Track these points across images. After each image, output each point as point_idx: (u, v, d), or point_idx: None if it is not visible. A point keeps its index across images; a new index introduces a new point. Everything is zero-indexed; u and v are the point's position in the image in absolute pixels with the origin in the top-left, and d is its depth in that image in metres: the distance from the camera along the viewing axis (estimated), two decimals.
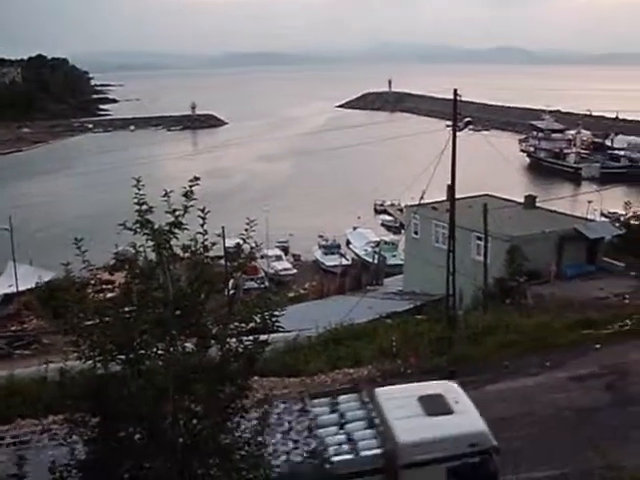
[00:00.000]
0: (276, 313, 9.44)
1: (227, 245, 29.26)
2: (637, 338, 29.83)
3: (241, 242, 9.69)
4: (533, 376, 26.19)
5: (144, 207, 9.19)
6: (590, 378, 25.28)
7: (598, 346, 28.94)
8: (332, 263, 71.73)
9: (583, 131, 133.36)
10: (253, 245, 9.64)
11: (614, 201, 72.29)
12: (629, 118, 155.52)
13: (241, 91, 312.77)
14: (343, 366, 28.66)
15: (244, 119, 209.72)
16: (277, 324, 9.48)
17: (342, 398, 16.09)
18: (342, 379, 27.22)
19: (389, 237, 79.78)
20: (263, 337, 9.48)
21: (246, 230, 9.60)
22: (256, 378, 22.44)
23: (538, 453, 18.92)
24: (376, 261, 65.80)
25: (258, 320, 9.38)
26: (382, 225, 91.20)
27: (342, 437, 14.07)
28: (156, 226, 9.08)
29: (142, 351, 9.05)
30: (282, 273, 69.79)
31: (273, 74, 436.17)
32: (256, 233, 9.90)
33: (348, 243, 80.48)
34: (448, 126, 34.99)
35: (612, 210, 70.69)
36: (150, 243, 9.14)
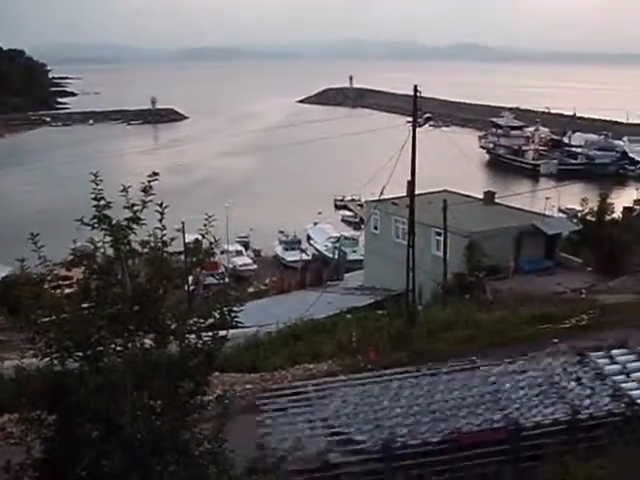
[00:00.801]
0: (235, 309, 9.39)
1: (187, 240, 29.06)
2: (594, 332, 30.24)
3: (200, 237, 9.63)
4: None
5: (102, 202, 9.07)
6: None
7: (556, 340, 29.26)
8: (292, 258, 71.78)
9: (541, 128, 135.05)
10: (212, 240, 9.56)
11: (571, 197, 73.25)
12: (586, 116, 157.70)
13: (201, 86, 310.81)
14: (303, 361, 28.63)
15: (205, 114, 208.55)
16: (236, 320, 9.44)
17: (616, 352, 17.78)
18: (302, 374, 27.19)
19: (349, 232, 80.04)
20: (222, 333, 9.43)
21: (205, 225, 9.54)
22: (216, 374, 22.35)
23: None
24: (336, 256, 65.98)
25: (217, 316, 9.33)
26: (342, 221, 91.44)
27: (633, 384, 15.67)
28: (114, 221, 8.97)
29: (100, 348, 8.95)
30: (242, 269, 69.63)
31: (233, 69, 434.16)
32: (216, 229, 9.84)
33: (309, 238, 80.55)
34: (409, 122, 35.15)
35: (569, 206, 71.68)
36: (108, 239, 9.03)
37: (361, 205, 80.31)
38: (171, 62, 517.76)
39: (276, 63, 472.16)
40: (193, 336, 9.25)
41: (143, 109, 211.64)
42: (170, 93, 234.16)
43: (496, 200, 56.22)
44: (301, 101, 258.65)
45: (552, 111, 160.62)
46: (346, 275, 63.16)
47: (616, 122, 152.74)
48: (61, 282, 10.07)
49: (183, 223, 44.12)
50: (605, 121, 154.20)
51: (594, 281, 44.48)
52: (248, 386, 25.72)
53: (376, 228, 55.59)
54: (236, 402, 22.83)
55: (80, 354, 8.97)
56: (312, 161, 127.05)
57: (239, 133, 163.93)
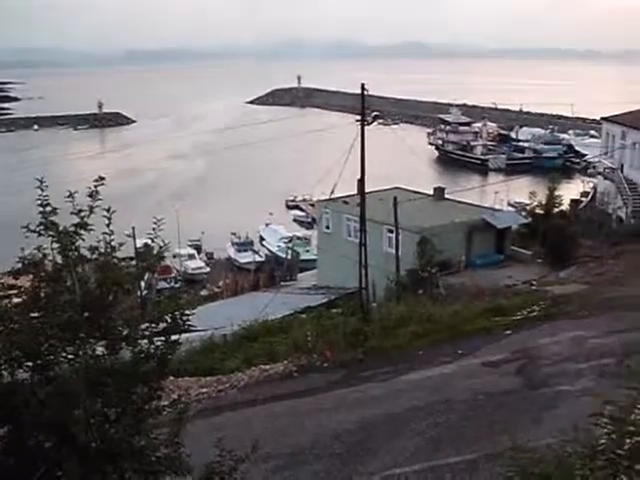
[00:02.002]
0: (187, 312, 9.32)
1: (138, 245, 28.80)
2: (545, 323, 30.72)
3: (149, 242, 9.53)
4: (447, 364, 26.61)
5: (48, 209, 8.92)
6: (502, 363, 25.84)
7: (508, 332, 29.64)
8: (245, 260, 71.64)
9: (489, 124, 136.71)
10: (161, 244, 9.47)
11: (520, 191, 74.26)
12: (533, 111, 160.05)
13: (147, 88, 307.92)
14: (259, 363, 28.57)
15: (153, 117, 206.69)
16: (188, 323, 9.37)
17: None
18: (259, 376, 27.14)
19: (301, 232, 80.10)
20: (175, 337, 9.36)
21: (154, 229, 9.44)
22: (171, 379, 22.19)
23: (454, 439, 19.25)
24: (289, 257, 65.99)
25: (169, 320, 9.25)
26: (294, 221, 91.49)
27: None
28: (61, 228, 8.83)
29: (50, 357, 8.81)
30: (195, 272, 69.28)
31: (179, 71, 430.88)
32: (168, 232, 9.76)
33: (261, 240, 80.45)
34: (357, 121, 35.32)
35: (518, 200, 72.65)
36: (56, 245, 8.89)
37: (313, 205, 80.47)
38: (115, 65, 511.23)
39: (222, 64, 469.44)
40: (145, 341, 9.17)
41: (89, 113, 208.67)
42: (116, 96, 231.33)
43: (446, 196, 56.76)
44: (250, 102, 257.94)
45: (499, 106, 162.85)
46: (299, 275, 63.23)
47: (562, 116, 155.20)
48: (9, 291, 9.89)
49: (133, 228, 43.75)
50: (551, 115, 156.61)
51: (544, 273, 45.19)
52: (204, 390, 25.60)
53: (328, 227, 55.73)
54: (193, 406, 22.74)
55: (30, 364, 8.82)
56: (263, 162, 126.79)
57: (188, 135, 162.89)
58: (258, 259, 71.57)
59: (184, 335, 9.66)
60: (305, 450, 19.26)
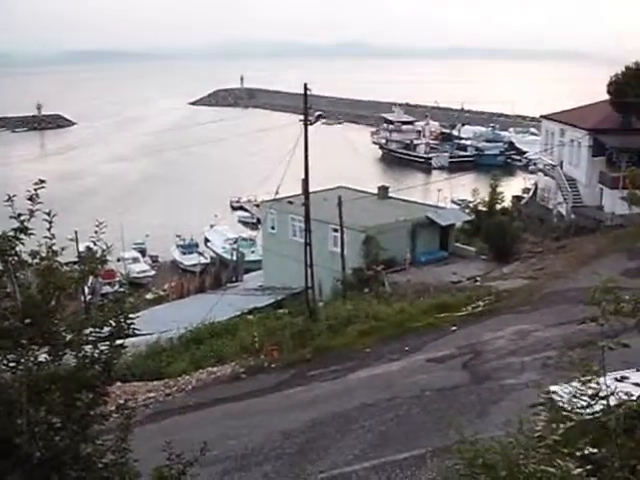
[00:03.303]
0: (131, 316, 9.20)
1: (80, 249, 28.36)
2: (489, 318, 31.16)
3: (92, 245, 9.38)
4: (394, 361, 26.82)
5: None
6: (448, 359, 26.13)
7: (454, 328, 29.97)
8: (191, 262, 71.07)
9: (431, 122, 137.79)
10: (104, 248, 9.32)
11: (463, 188, 75.10)
12: (474, 109, 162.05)
13: (87, 90, 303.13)
14: (206, 365, 28.47)
15: (94, 119, 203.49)
16: (133, 327, 9.25)
17: None
18: (206, 378, 27.01)
19: (247, 233, 79.75)
20: (120, 341, 9.23)
21: (96, 232, 9.30)
22: (118, 384, 21.92)
23: (403, 435, 19.39)
24: (235, 258, 65.73)
25: (113, 324, 9.12)
26: (239, 222, 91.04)
27: None
28: (0, 232, 8.65)
29: None
30: (140, 275, 68.42)
31: (119, 72, 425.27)
32: (111, 235, 9.64)
33: (206, 241, 79.88)
34: (301, 120, 35.34)
35: (461, 197, 73.45)
36: None
37: (257, 205, 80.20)
38: (53, 65, 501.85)
39: (162, 65, 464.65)
40: (90, 346, 9.03)
41: (28, 116, 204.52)
42: (56, 98, 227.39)
43: (390, 194, 57.14)
44: (193, 103, 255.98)
45: (441, 105, 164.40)
46: (245, 276, 63.00)
47: (502, 114, 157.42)
48: None
49: (76, 232, 43.09)
50: (492, 113, 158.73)
51: (488, 269, 45.79)
52: (151, 394, 25.38)
53: (273, 228, 55.65)
54: (141, 410, 22.49)
55: None
56: (207, 163, 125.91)
57: (130, 137, 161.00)
58: (203, 261, 71.09)
59: (130, 339, 9.56)
60: (255, 451, 19.21)
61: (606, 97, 56.74)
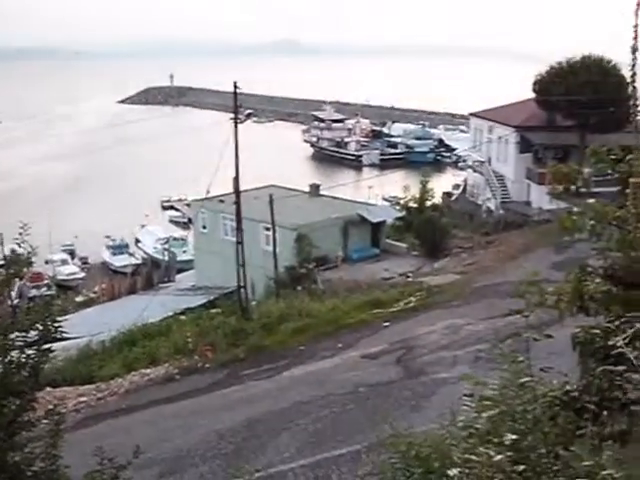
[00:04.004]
0: (59, 319, 9.03)
1: (5, 252, 27.71)
2: (421, 313, 31.54)
3: (17, 247, 9.17)
4: (328, 358, 26.94)
5: None
6: (381, 355, 26.35)
7: (387, 324, 30.25)
8: (121, 263, 70.07)
9: (362, 120, 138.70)
10: (29, 250, 9.13)
11: (394, 185, 75.70)
12: (404, 107, 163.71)
13: (12, 88, 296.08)
14: (139, 367, 28.14)
15: (19, 118, 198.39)
16: (61, 331, 9.08)
17: None
18: (139, 380, 26.70)
19: (178, 233, 78.97)
20: (47, 346, 9.05)
21: (21, 234, 9.09)
22: (47, 389, 21.48)
23: (338, 432, 19.48)
24: (166, 258, 65.11)
25: (40, 328, 8.94)
26: (170, 221, 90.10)
27: None
28: None
29: None
30: (69, 277, 67.18)
31: (46, 69, 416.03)
32: (38, 237, 9.44)
33: (137, 242, 78.77)
34: (232, 119, 35.16)
35: (392, 194, 74.03)
36: None
37: (188, 205, 79.47)
38: None
39: (92, 64, 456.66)
40: (17, 351, 8.83)
41: None
42: None
43: (322, 192, 57.32)
44: (122, 101, 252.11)
45: (372, 103, 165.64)
46: (178, 276, 62.42)
47: (432, 112, 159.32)
48: None
49: (1, 234, 42.09)
50: (422, 111, 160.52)
51: (419, 264, 46.32)
52: (83, 399, 24.98)
53: (204, 227, 55.27)
54: (72, 416, 22.11)
55: None
56: (137, 162, 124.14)
57: (57, 136, 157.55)
58: (134, 262, 70.16)
59: (60, 343, 9.39)
60: (190, 452, 19.09)
61: (532, 95, 57.93)
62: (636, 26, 3.77)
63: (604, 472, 3.58)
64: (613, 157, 5.40)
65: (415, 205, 56.56)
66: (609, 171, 5.53)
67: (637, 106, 4.29)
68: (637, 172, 4.11)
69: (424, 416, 17.39)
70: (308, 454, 17.99)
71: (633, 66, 3.99)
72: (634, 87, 4.25)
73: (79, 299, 59.06)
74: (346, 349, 27.68)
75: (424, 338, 27.69)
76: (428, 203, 57.70)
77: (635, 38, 3.85)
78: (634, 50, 3.86)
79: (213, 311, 38.21)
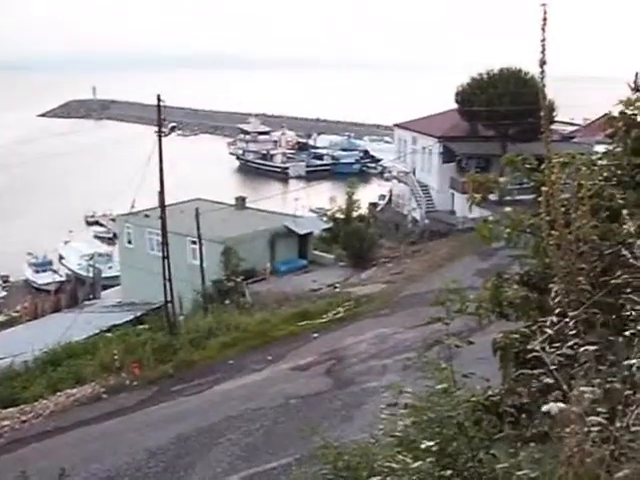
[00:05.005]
0: None
1: None
2: (350, 324, 31.77)
3: None
4: (258, 371, 26.91)
5: None
6: (312, 366, 26.45)
7: (316, 335, 30.39)
8: (44, 281, 68.56)
9: (288, 132, 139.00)
10: None
11: (320, 197, 75.98)
12: (329, 118, 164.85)
13: None
14: (65, 387, 27.59)
15: None
16: None
17: None
18: (65, 401, 26.14)
19: (103, 249, 77.70)
20: None
21: None
22: None
23: (270, 445, 19.44)
24: (91, 274, 63.98)
25: None
26: (95, 237, 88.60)
27: None
28: None
29: None
30: None
31: None
32: None
33: (60, 258, 77.17)
34: (156, 132, 34.85)
35: (319, 205, 74.29)
36: None
37: (113, 220, 78.28)
38: None
39: (6, 76, 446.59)
40: None
41: None
42: None
43: (248, 204, 57.23)
44: (42, 115, 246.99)
45: (297, 115, 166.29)
46: (103, 293, 61.36)
47: (357, 123, 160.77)
48: None
49: None
50: (347, 123, 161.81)
51: (347, 275, 46.61)
52: (5, 422, 24.35)
53: (130, 242, 54.55)
54: None
55: None
56: (58, 177, 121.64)
57: None
58: (58, 279, 68.72)
59: None
60: (120, 472, 18.81)
61: (454, 106, 59.00)
62: (543, 40, 3.91)
63: (519, 472, 3.67)
64: (528, 166, 5.56)
65: (342, 216, 56.87)
66: (525, 180, 5.69)
67: (545, 117, 4.44)
68: (549, 180, 4.24)
69: (355, 426, 17.53)
70: (240, 468, 17.93)
71: (542, 79, 4.14)
72: (544, 99, 4.40)
73: (0, 319, 57.54)
74: (276, 362, 27.68)
75: (353, 348, 27.89)
76: (354, 214, 58.06)
77: (542, 52, 3.99)
78: (542, 63, 4.00)
79: (140, 327, 37.76)
